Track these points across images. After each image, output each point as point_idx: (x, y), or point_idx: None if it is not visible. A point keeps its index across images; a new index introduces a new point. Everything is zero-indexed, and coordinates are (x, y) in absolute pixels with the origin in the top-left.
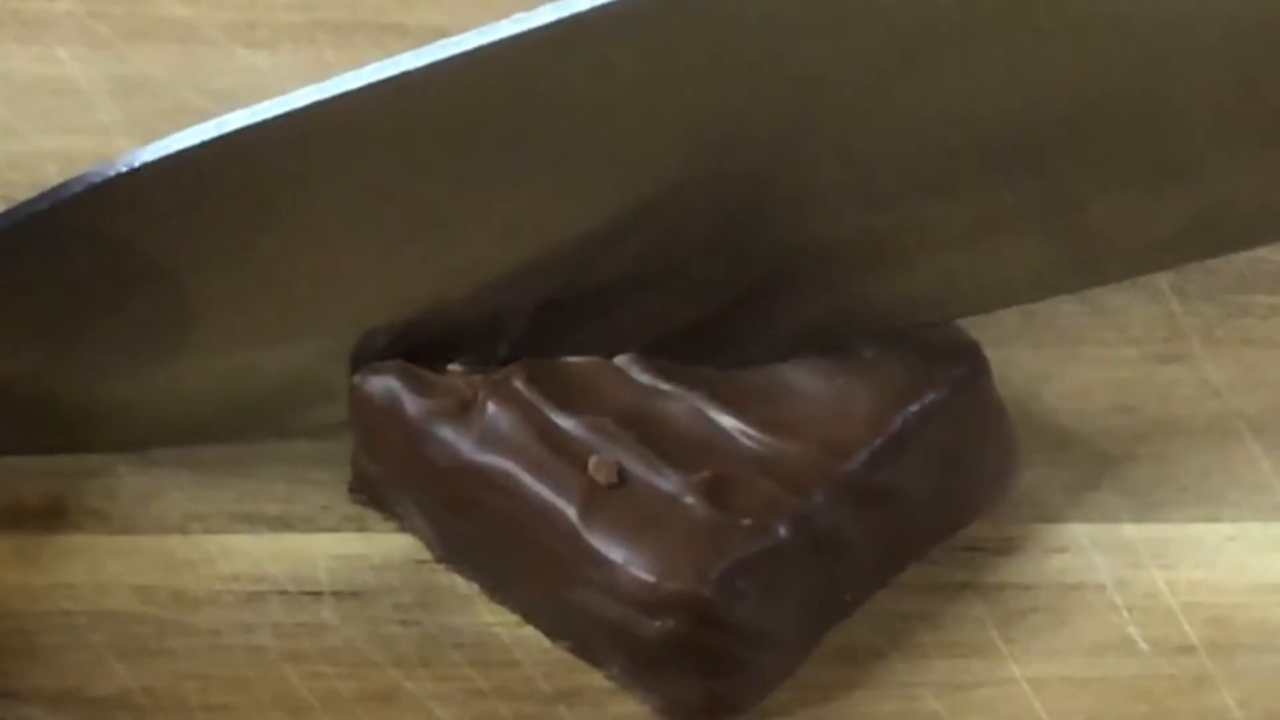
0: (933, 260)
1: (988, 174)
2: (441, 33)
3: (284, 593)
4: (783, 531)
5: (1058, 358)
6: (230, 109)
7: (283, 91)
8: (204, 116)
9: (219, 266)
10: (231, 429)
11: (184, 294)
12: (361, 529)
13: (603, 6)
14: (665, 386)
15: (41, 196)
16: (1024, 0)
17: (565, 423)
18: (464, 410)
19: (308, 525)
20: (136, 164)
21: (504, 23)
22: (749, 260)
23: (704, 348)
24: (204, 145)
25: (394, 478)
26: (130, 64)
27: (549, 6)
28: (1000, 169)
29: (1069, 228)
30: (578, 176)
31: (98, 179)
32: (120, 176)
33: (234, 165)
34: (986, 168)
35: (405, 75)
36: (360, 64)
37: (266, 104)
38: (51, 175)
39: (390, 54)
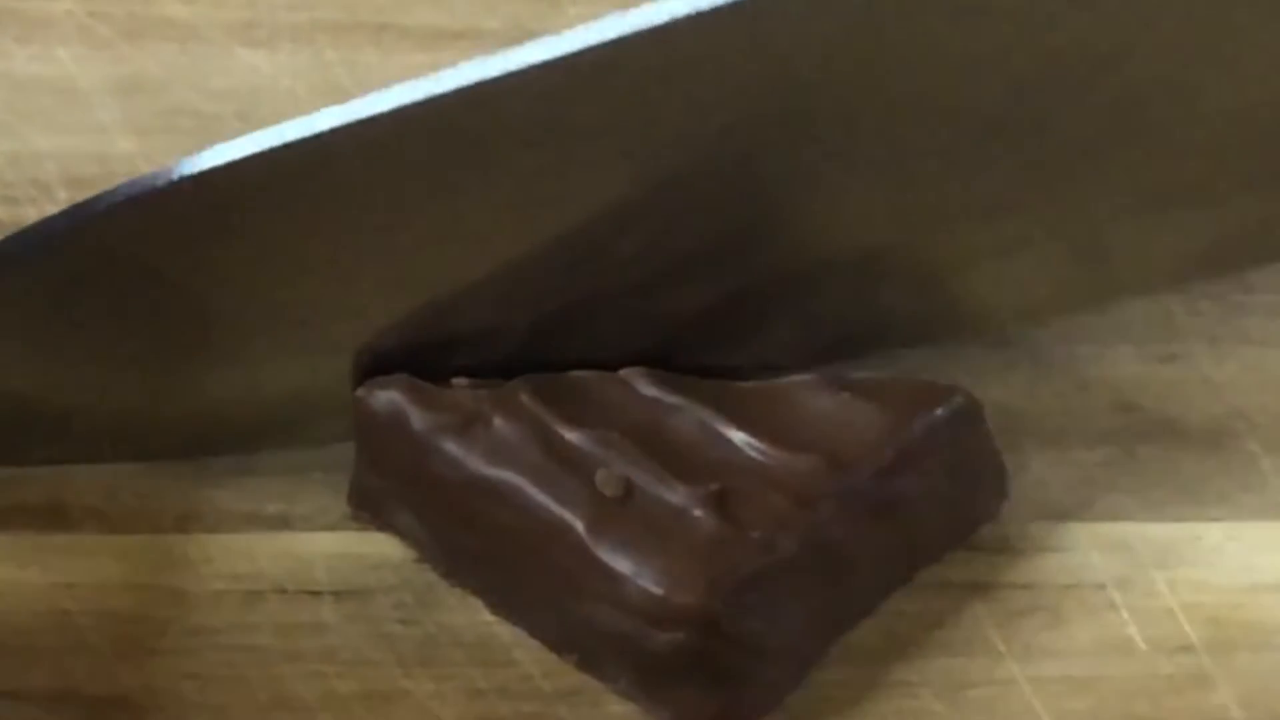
0: (946, 281)
1: (1007, 197)
2: (440, 33)
3: (283, 592)
4: (790, 545)
5: (1059, 357)
6: (230, 109)
7: (282, 91)
8: (203, 116)
9: (235, 283)
10: (241, 442)
11: (199, 309)
12: (361, 529)
13: (629, 36)
14: (672, 400)
15: (59, 215)
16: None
17: (572, 436)
18: (470, 424)
19: (308, 525)
20: (158, 183)
21: (523, 50)
22: (749, 269)
23: (711, 350)
24: (227, 166)
25: (398, 492)
26: (130, 64)
27: (570, 35)
28: (1018, 190)
29: (1088, 249)
30: (595, 190)
31: (117, 198)
32: (142, 195)
33: (255, 185)
34: (1005, 191)
35: (429, 99)
36: (359, 64)
37: (286, 125)
38: (51, 175)
39: (389, 54)
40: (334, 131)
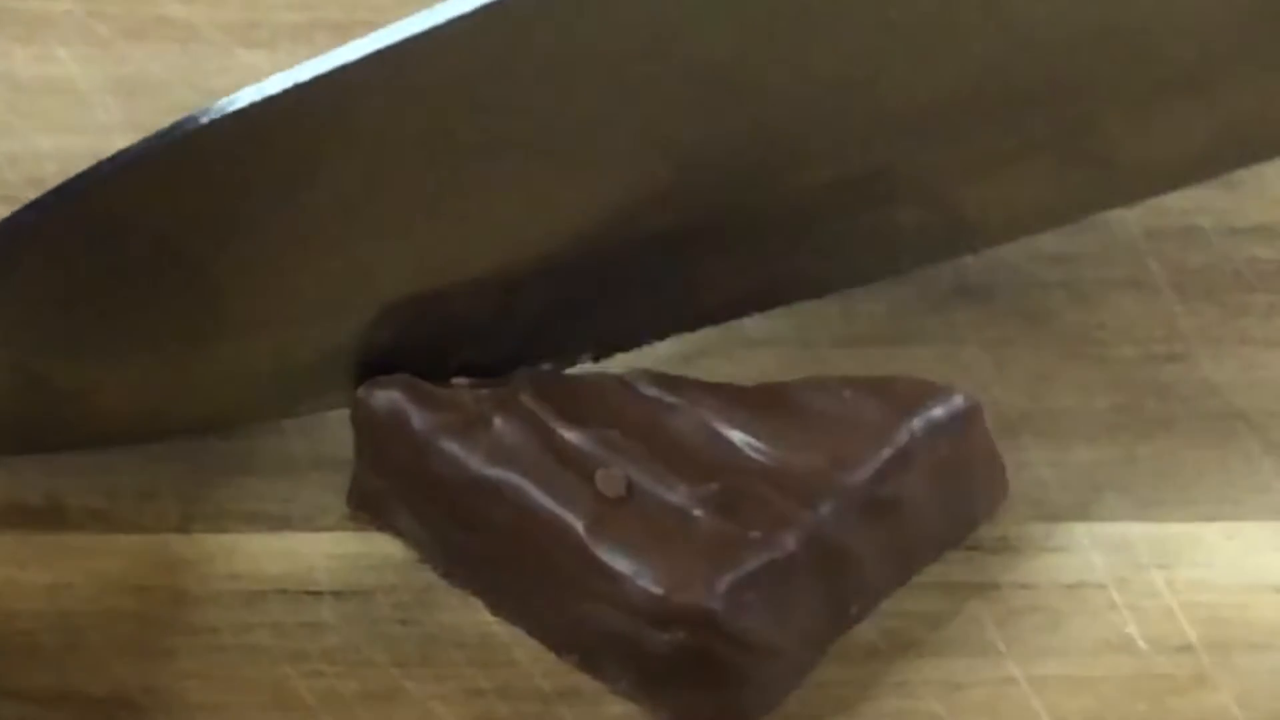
0: (952, 191)
1: (1003, 105)
2: None
3: (284, 592)
4: (791, 544)
5: (1058, 357)
6: None
7: None
8: None
9: (234, 248)
10: (244, 415)
11: (197, 278)
12: (361, 529)
13: None
14: (672, 400)
15: (49, 193)
16: None
17: (573, 436)
18: (470, 424)
19: (308, 525)
20: (145, 149)
21: None
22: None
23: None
24: (214, 124)
25: (398, 492)
26: (130, 64)
27: None
28: (1016, 98)
29: (1087, 149)
30: (589, 138)
31: (105, 169)
32: (129, 162)
33: (246, 143)
34: (1002, 99)
35: (414, 39)
36: None
37: (272, 79)
38: (51, 174)
39: None
40: (309, 83)
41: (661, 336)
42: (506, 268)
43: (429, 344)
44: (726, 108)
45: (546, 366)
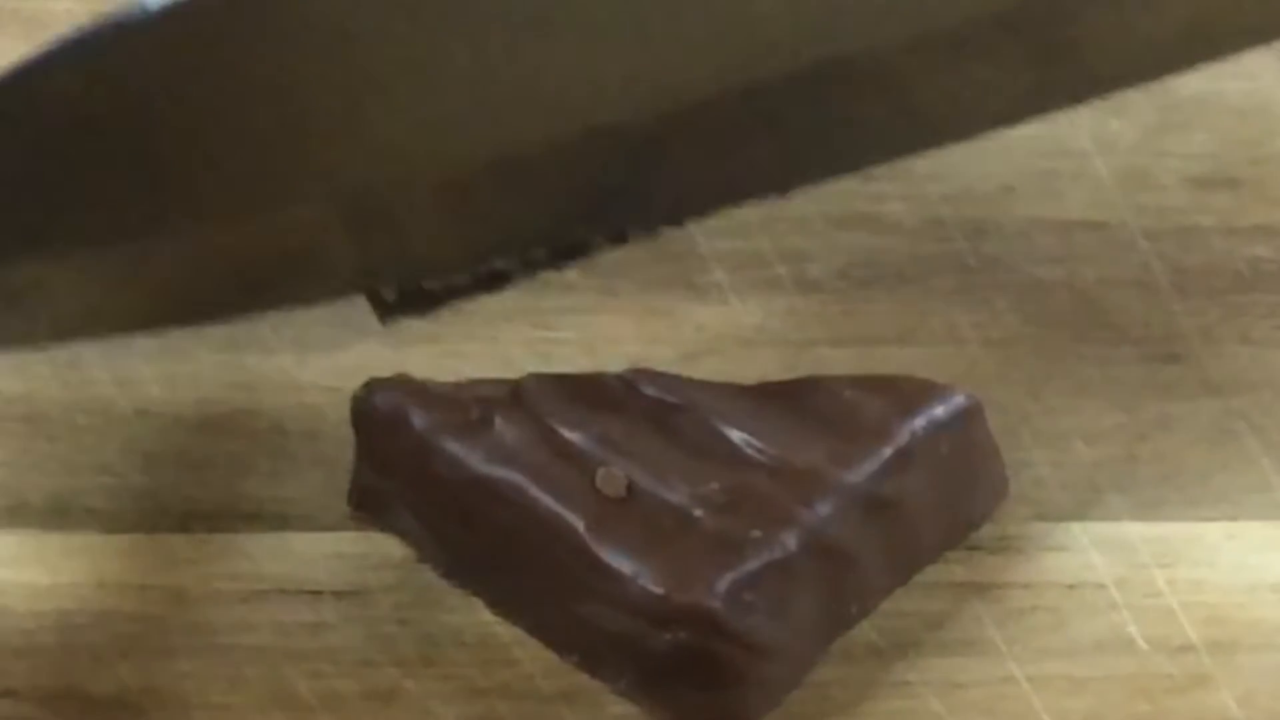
0: (927, 81)
1: None
2: None
3: (284, 592)
4: (791, 543)
5: (1058, 358)
6: None
7: None
8: None
9: (206, 124)
10: (222, 306)
11: (171, 158)
12: (361, 529)
13: None
14: (672, 400)
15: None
16: None
17: (573, 436)
18: (471, 424)
19: (308, 525)
20: (116, 20)
21: None
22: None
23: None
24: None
25: (399, 492)
26: None
27: None
28: None
29: (1053, 37)
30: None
31: (76, 36)
32: (102, 31)
33: (195, 23)
34: None
35: None
36: None
37: None
38: None
39: None
40: None
41: (620, 240)
42: (456, 162)
43: (393, 247)
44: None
45: (502, 265)
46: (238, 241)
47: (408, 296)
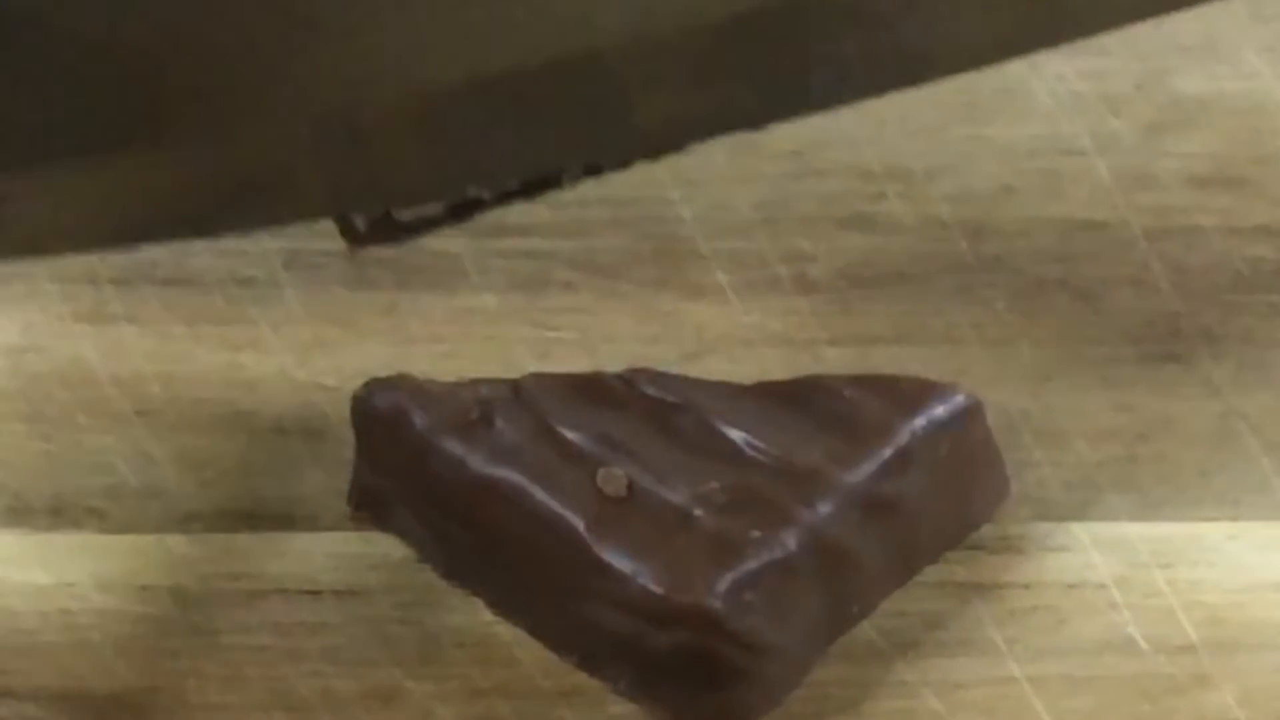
0: (905, 15)
1: None
2: None
3: (283, 592)
4: (791, 543)
5: (1058, 358)
6: None
7: None
8: None
9: (174, 41)
10: (192, 222)
11: (138, 74)
12: (361, 529)
13: None
14: (672, 400)
15: None
16: None
17: (574, 435)
18: (472, 424)
19: (308, 525)
20: None
21: None
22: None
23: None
24: None
25: (399, 492)
26: None
27: None
28: None
29: None
30: None
31: None
32: None
33: None
34: None
35: None
36: None
37: None
38: None
39: None
40: None
41: (594, 172)
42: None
43: (363, 172)
44: None
45: (475, 194)
46: (205, 159)
47: (379, 225)
